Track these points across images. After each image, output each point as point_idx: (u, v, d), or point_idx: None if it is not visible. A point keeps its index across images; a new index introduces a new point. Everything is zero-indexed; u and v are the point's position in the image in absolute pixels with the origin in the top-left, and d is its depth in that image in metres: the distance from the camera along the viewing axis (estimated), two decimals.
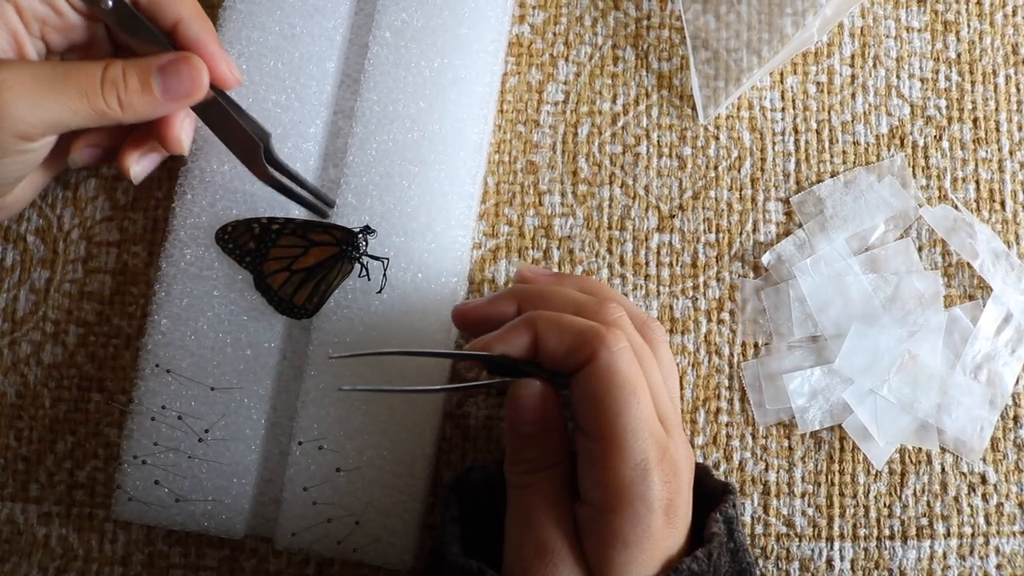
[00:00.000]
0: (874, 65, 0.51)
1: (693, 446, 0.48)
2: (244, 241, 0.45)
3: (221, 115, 0.44)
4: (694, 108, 0.50)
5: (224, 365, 0.45)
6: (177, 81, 0.42)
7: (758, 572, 0.45)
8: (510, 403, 0.38)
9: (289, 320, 0.46)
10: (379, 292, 0.45)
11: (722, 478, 0.47)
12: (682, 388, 0.48)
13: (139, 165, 0.45)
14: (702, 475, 0.41)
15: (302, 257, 0.44)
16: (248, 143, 0.44)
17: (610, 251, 0.49)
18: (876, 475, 0.47)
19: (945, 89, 0.51)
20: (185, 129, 0.45)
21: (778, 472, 0.47)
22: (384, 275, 0.45)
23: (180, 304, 0.45)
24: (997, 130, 0.51)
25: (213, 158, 0.47)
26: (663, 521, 0.35)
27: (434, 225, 0.46)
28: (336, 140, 0.48)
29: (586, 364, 0.36)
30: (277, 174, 0.44)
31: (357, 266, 0.45)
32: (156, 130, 0.44)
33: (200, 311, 0.45)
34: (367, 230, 0.45)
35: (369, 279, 0.45)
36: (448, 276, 0.46)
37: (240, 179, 0.46)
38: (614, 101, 0.51)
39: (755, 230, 0.49)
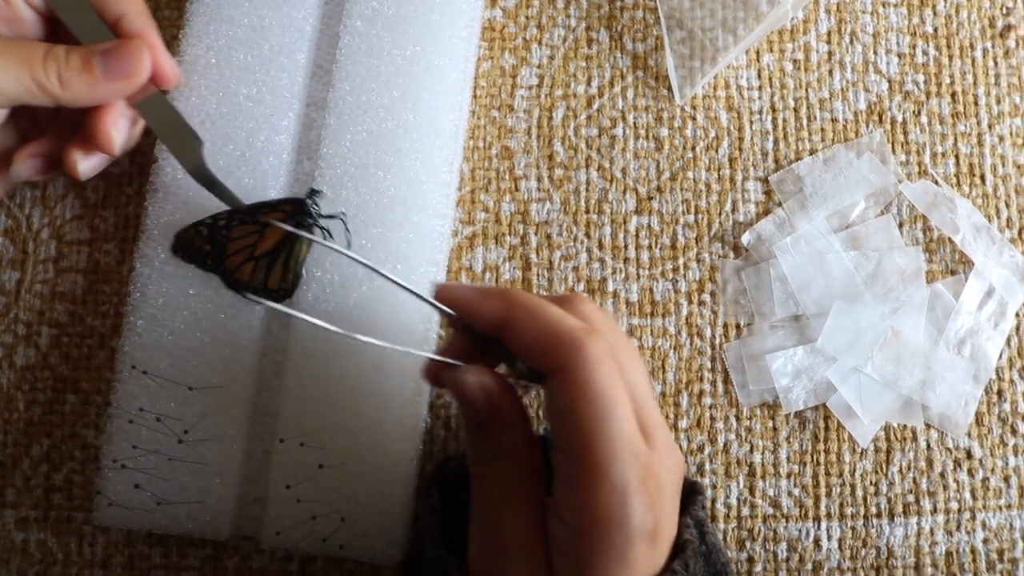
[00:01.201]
0: (851, 41, 0.51)
1: (676, 430, 0.47)
2: (199, 245, 0.44)
3: (162, 110, 0.44)
4: (670, 89, 0.50)
5: (203, 364, 0.44)
6: (118, 63, 0.42)
7: (733, 567, 0.44)
8: (451, 388, 0.35)
9: (268, 316, 0.45)
10: (348, 246, 0.44)
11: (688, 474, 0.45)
12: (664, 371, 0.48)
13: (86, 162, 0.44)
14: None
15: (260, 241, 0.43)
16: (188, 140, 0.44)
17: (588, 235, 0.49)
18: (861, 453, 0.47)
19: (923, 64, 0.51)
20: (118, 126, 0.44)
21: (763, 453, 0.47)
22: (346, 230, 0.44)
23: (156, 304, 0.45)
24: (976, 104, 0.50)
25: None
26: (645, 547, 0.32)
27: (411, 215, 0.45)
28: (309, 133, 0.48)
29: (560, 373, 0.32)
30: (214, 173, 0.44)
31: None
32: (89, 125, 0.43)
33: (176, 311, 0.45)
34: (313, 193, 0.44)
35: (333, 237, 0.44)
36: (427, 265, 0.45)
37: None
38: (589, 84, 0.50)
39: (734, 210, 0.49)
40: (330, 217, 0.44)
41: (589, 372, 0.32)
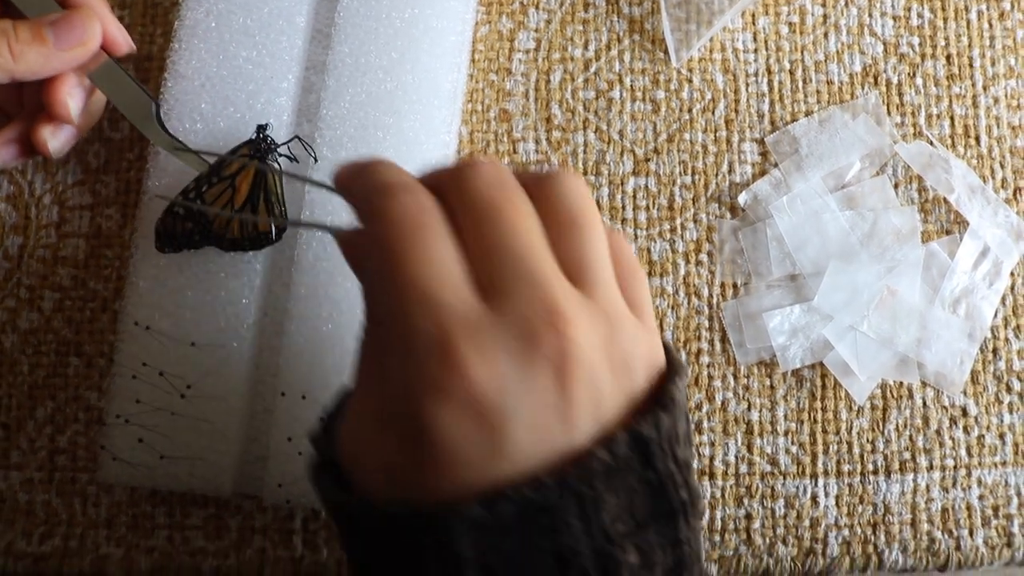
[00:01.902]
0: (846, 4, 0.51)
1: None
2: (182, 229, 0.44)
3: (114, 78, 0.44)
4: (666, 52, 0.50)
5: (204, 324, 0.44)
6: (69, 32, 0.42)
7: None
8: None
9: (268, 276, 0.46)
10: (316, 161, 0.45)
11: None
12: (662, 330, 0.48)
13: (55, 139, 0.45)
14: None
15: (235, 194, 0.44)
16: (143, 104, 0.45)
17: None
18: (858, 411, 0.47)
19: (918, 26, 0.51)
20: (74, 96, 0.44)
21: (761, 411, 0.47)
22: (309, 149, 0.45)
23: (157, 265, 0.45)
24: (971, 66, 0.51)
25: (185, 118, 0.46)
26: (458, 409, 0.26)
27: None
28: (309, 96, 0.48)
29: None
30: (170, 133, 0.45)
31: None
32: (45, 96, 0.44)
33: (177, 271, 0.45)
34: (261, 128, 0.45)
35: (299, 162, 0.46)
36: None
37: (213, 136, 0.46)
38: (586, 47, 0.51)
39: (731, 171, 0.49)
40: (288, 143, 0.45)
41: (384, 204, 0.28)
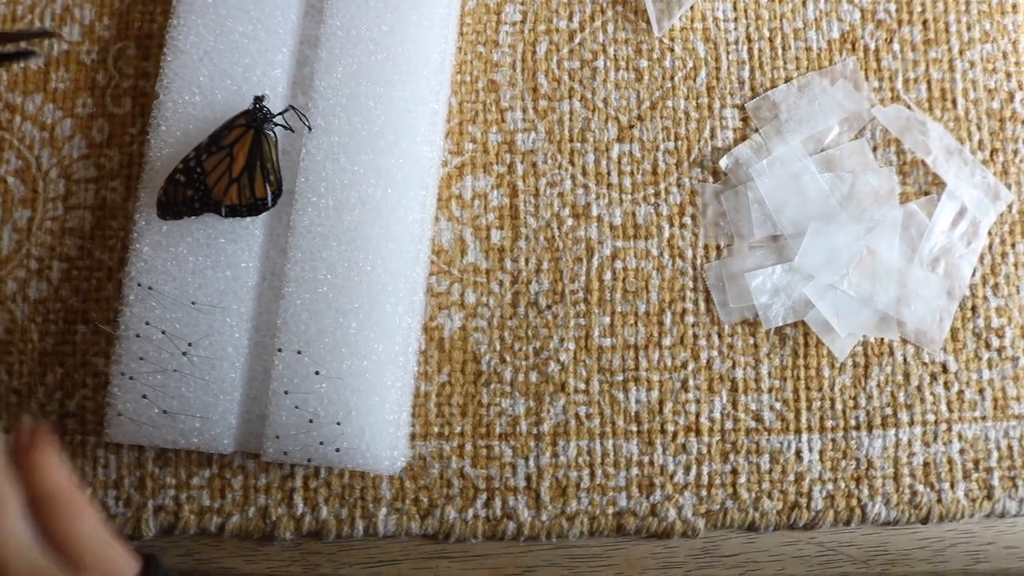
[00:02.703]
0: None
1: (660, 348, 0.49)
2: (184, 197, 0.46)
3: None
4: (648, 22, 0.52)
5: (205, 287, 0.46)
6: None
7: None
8: None
9: (266, 241, 0.47)
10: (310, 131, 0.47)
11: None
12: (648, 291, 0.49)
13: None
14: None
15: (233, 163, 0.46)
16: None
17: (572, 162, 0.51)
18: (840, 368, 0.49)
19: None
20: None
21: (745, 369, 0.49)
22: (304, 118, 0.47)
23: (160, 231, 0.47)
24: (947, 31, 0.52)
25: (185, 91, 0.48)
26: None
27: (401, 142, 0.47)
28: (303, 68, 0.50)
29: None
30: None
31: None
32: None
33: (179, 237, 0.47)
34: (258, 99, 0.46)
35: (294, 131, 0.47)
36: (416, 189, 0.47)
37: (211, 108, 0.48)
38: (571, 19, 0.52)
39: (712, 136, 0.51)
40: (282, 113, 0.47)
41: None
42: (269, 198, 0.46)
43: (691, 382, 0.49)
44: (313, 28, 0.50)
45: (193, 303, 0.45)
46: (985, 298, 0.50)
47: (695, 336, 0.49)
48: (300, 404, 0.44)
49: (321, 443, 0.44)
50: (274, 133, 0.46)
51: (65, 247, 0.51)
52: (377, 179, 0.47)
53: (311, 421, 0.44)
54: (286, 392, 0.44)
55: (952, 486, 0.48)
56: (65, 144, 0.52)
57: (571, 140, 0.51)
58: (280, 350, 0.45)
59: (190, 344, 0.45)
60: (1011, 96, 0.51)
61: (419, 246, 0.47)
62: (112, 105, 0.52)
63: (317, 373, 0.44)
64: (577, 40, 0.52)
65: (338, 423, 0.44)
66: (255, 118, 0.46)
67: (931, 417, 0.49)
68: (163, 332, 0.45)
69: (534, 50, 0.52)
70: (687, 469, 0.48)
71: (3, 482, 0.33)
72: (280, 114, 0.47)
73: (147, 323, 0.45)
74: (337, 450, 0.44)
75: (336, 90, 0.48)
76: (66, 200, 0.51)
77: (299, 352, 0.45)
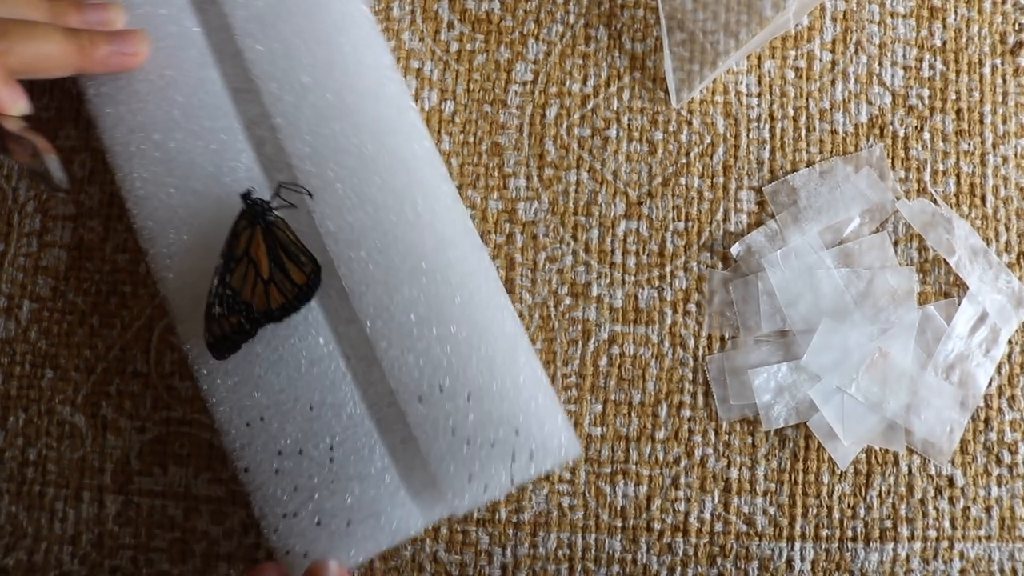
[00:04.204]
0: (856, 51, 0.49)
1: (653, 441, 0.46)
2: (230, 326, 0.42)
3: None
4: (667, 92, 0.49)
5: (302, 393, 0.44)
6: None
7: None
8: None
9: (328, 320, 0.45)
10: (312, 196, 0.44)
11: None
12: (644, 380, 0.47)
13: None
14: None
15: (258, 266, 0.43)
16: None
17: (575, 237, 0.48)
18: (841, 475, 0.46)
19: (928, 78, 0.49)
20: None
21: (740, 469, 0.46)
22: (299, 188, 0.44)
23: (225, 371, 0.44)
24: (981, 122, 0.49)
25: (171, 230, 0.45)
26: None
27: (398, 150, 0.45)
28: (264, 148, 0.46)
29: None
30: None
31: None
32: None
33: (249, 364, 0.44)
34: (247, 195, 0.43)
35: (296, 206, 0.45)
36: (437, 181, 0.45)
37: (207, 225, 0.45)
38: (584, 82, 0.49)
39: (725, 219, 0.48)
40: (276, 195, 0.44)
41: None
42: (311, 278, 0.43)
43: (683, 479, 0.46)
44: (251, 108, 0.47)
45: (311, 408, 0.43)
46: (1000, 410, 0.47)
47: (690, 431, 0.47)
48: (462, 443, 0.42)
49: (513, 461, 0.42)
50: (280, 217, 0.43)
51: (37, 286, 0.49)
52: (395, 199, 0.44)
53: (492, 446, 0.42)
54: (453, 431, 0.42)
55: None
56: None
57: (575, 213, 0.48)
58: (420, 399, 0.43)
59: (332, 448, 0.43)
60: None
61: (464, 225, 0.45)
62: (96, 139, 0.50)
63: (468, 399, 0.42)
64: (590, 106, 0.49)
65: (516, 432, 0.42)
66: (254, 213, 0.43)
67: (933, 533, 0.46)
68: (300, 452, 0.43)
69: (543, 113, 0.49)
70: (671, 570, 0.46)
71: None
72: (275, 196, 0.44)
73: (279, 452, 0.43)
74: (530, 458, 0.42)
75: (310, 145, 0.45)
76: (41, 236, 0.49)
77: (420, 399, 0.42)
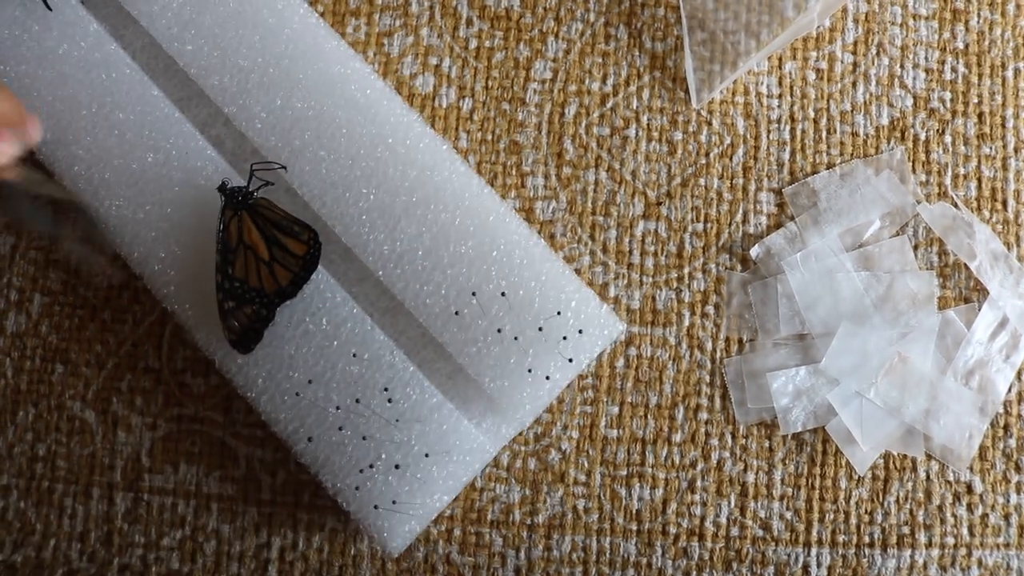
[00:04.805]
0: (877, 53, 0.49)
1: (669, 444, 0.46)
2: (247, 316, 0.43)
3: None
4: (687, 91, 0.48)
5: (340, 355, 0.44)
6: None
7: None
8: None
9: (342, 283, 0.45)
10: (286, 170, 0.45)
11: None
12: (661, 383, 0.46)
13: None
14: None
15: (256, 250, 0.42)
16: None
17: (593, 237, 0.47)
18: (858, 480, 0.46)
19: (951, 81, 0.49)
20: None
21: (757, 473, 0.46)
22: (272, 164, 0.45)
23: (256, 361, 0.44)
24: (1003, 126, 0.49)
25: (160, 246, 0.45)
26: None
27: (361, 99, 0.46)
28: (224, 146, 0.47)
29: None
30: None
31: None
32: None
33: (277, 346, 0.44)
34: (223, 186, 0.43)
35: (274, 184, 0.45)
36: (403, 112, 0.47)
37: (195, 233, 0.45)
38: (604, 81, 0.49)
39: (745, 221, 0.48)
40: (251, 177, 0.44)
41: None
42: (311, 245, 0.43)
43: (699, 483, 0.46)
44: (200, 112, 0.47)
45: (354, 354, 0.44)
46: (1019, 416, 0.46)
47: (707, 434, 0.46)
48: (510, 343, 0.43)
49: (565, 339, 0.43)
50: (262, 198, 0.43)
51: (49, 280, 0.48)
52: (366, 145, 0.45)
53: (540, 330, 0.43)
54: (499, 330, 0.43)
55: None
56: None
57: (594, 213, 0.48)
58: (456, 313, 0.43)
59: (390, 400, 0.43)
60: None
61: (439, 147, 0.46)
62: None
63: (499, 304, 0.43)
64: (609, 105, 0.48)
65: (558, 313, 0.43)
66: (236, 201, 0.43)
67: (951, 540, 0.46)
68: (357, 400, 0.43)
69: (562, 112, 0.48)
70: (687, 575, 0.45)
71: None
72: (251, 179, 0.44)
73: (340, 429, 0.43)
74: (580, 332, 0.43)
75: (267, 122, 0.45)
76: None
77: (455, 324, 0.43)
